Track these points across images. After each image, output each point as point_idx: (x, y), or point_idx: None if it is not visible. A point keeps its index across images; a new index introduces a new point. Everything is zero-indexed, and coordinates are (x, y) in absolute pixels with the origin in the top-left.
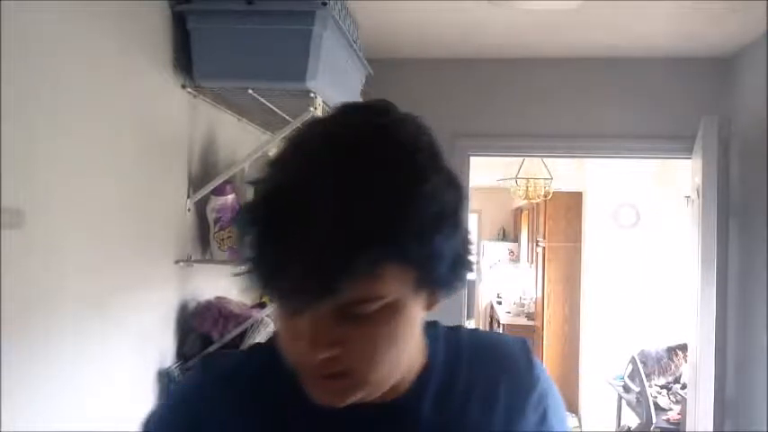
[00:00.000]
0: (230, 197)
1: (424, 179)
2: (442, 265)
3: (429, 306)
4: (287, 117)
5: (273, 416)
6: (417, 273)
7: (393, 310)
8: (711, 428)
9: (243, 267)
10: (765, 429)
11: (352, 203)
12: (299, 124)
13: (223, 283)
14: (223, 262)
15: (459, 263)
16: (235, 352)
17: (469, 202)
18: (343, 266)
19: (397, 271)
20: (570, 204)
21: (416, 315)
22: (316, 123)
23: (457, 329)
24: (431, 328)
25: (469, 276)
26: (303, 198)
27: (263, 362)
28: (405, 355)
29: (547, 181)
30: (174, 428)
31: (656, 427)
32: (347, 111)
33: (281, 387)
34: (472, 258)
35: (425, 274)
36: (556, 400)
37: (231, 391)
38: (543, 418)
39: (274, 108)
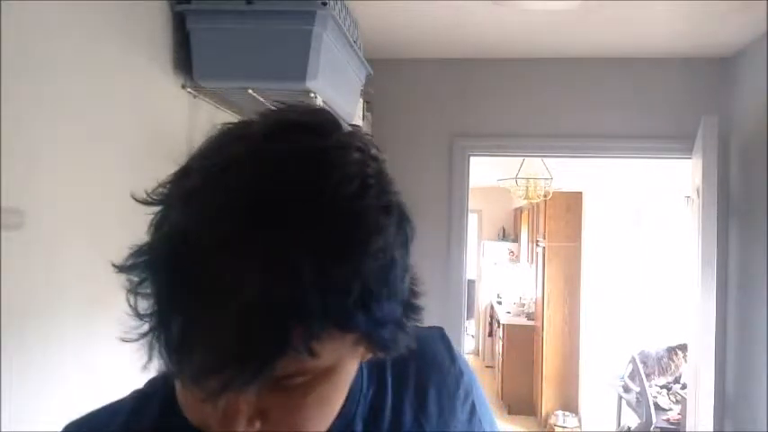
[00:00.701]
0: None
1: (372, 232)
2: (388, 326)
3: (365, 358)
4: None
5: None
6: (359, 336)
7: (326, 376)
8: (711, 428)
9: (138, 328)
10: (765, 429)
11: (286, 269)
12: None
13: None
14: None
15: (408, 316)
16: (114, 409)
17: (469, 202)
18: (274, 347)
19: (336, 339)
20: (570, 204)
21: (352, 368)
22: (234, 139)
23: None
24: None
25: (470, 277)
26: (222, 258)
27: (153, 422)
28: (337, 406)
29: (547, 181)
30: None
31: (656, 427)
32: (277, 126)
33: None
34: (419, 301)
35: (369, 337)
36: (479, 389)
37: None
38: (472, 411)
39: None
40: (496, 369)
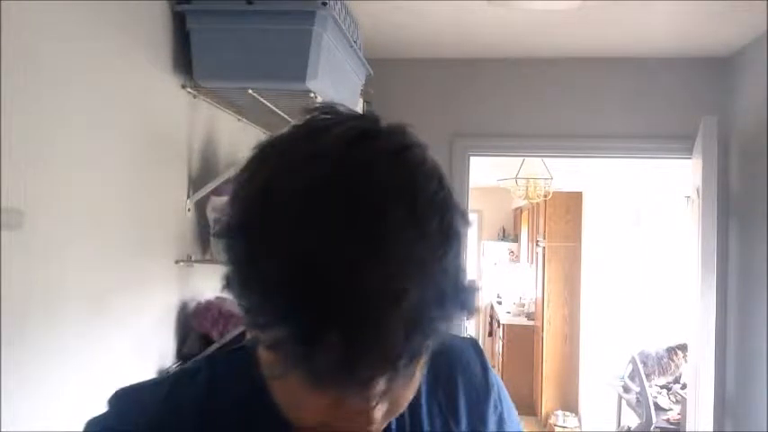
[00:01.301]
0: None
1: (461, 223)
2: (462, 307)
3: None
4: (287, 117)
5: None
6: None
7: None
8: (711, 428)
9: (291, 362)
10: (765, 429)
11: (427, 272)
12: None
13: None
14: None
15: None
16: (151, 389)
17: (469, 202)
18: (424, 344)
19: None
20: (570, 204)
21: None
22: (314, 156)
23: None
24: None
25: (470, 277)
26: (365, 270)
27: (197, 405)
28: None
29: (547, 181)
30: None
31: (656, 427)
32: (353, 134)
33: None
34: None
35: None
36: (508, 400)
37: None
38: (500, 420)
39: (274, 108)
40: (496, 369)
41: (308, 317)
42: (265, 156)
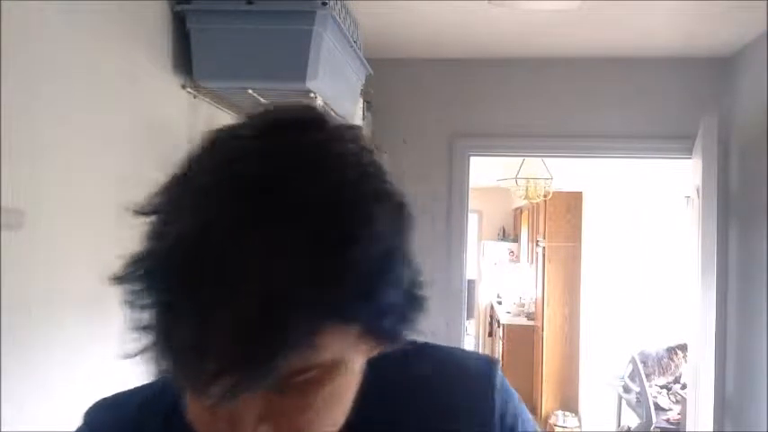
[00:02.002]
0: None
1: (367, 219)
2: (389, 316)
3: (371, 353)
4: None
5: None
6: (361, 329)
7: (332, 373)
8: (711, 428)
9: (139, 342)
10: (765, 430)
11: (281, 262)
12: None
13: None
14: None
15: (410, 306)
16: (127, 399)
17: (469, 202)
18: (278, 343)
19: (337, 332)
20: (570, 204)
21: (358, 365)
22: (226, 141)
23: (407, 354)
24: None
25: (470, 277)
26: (217, 257)
27: (164, 416)
28: (345, 407)
29: (547, 181)
30: None
31: (656, 427)
32: (268, 124)
33: None
34: (423, 294)
35: (371, 328)
36: (521, 415)
37: None
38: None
39: None
40: None
41: (162, 300)
42: (199, 144)
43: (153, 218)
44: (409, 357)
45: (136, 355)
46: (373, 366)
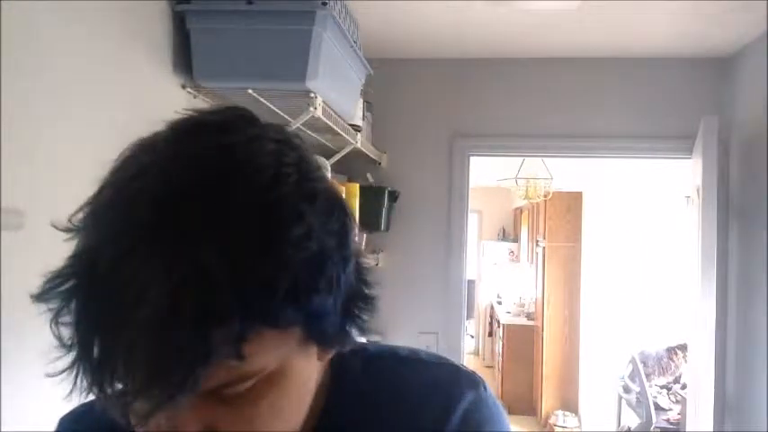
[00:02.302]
0: None
1: (290, 221)
2: (329, 316)
3: (323, 356)
4: (287, 117)
5: None
6: (300, 332)
7: (273, 380)
8: (711, 428)
9: (63, 359)
10: (765, 429)
11: (196, 269)
12: (299, 124)
13: None
14: None
15: (355, 304)
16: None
17: (469, 202)
18: (194, 356)
19: (270, 339)
20: (570, 204)
21: (306, 371)
22: (142, 150)
23: (375, 361)
24: (343, 360)
25: (470, 277)
26: (127, 269)
27: None
28: (296, 414)
29: (547, 181)
30: None
31: (656, 427)
32: (183, 129)
33: None
34: (371, 291)
35: (311, 331)
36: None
37: None
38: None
39: (274, 108)
40: (496, 369)
41: (80, 319)
42: (123, 152)
43: (75, 234)
44: (374, 365)
45: (60, 373)
46: (337, 372)
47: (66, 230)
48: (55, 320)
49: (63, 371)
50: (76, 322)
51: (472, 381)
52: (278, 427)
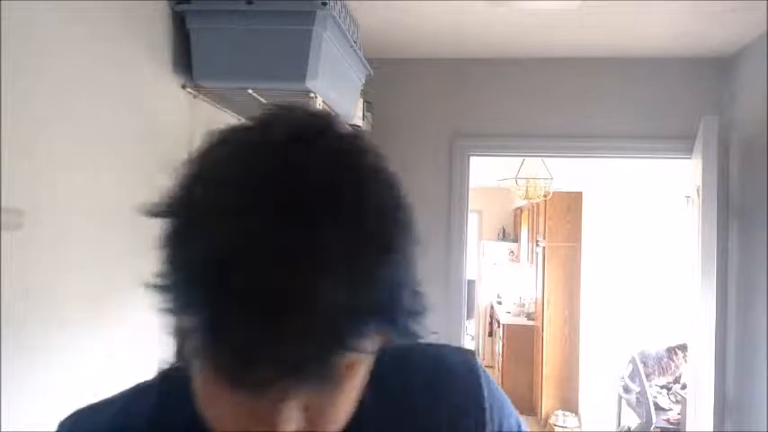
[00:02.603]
0: None
1: (398, 229)
2: (413, 317)
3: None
4: None
5: None
6: (388, 332)
7: (358, 368)
8: (711, 428)
9: (180, 346)
10: (765, 429)
11: (340, 271)
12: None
13: None
14: None
15: (421, 307)
16: (105, 406)
17: (469, 202)
18: (333, 349)
19: (373, 337)
20: (570, 204)
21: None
22: (256, 148)
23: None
24: None
25: (470, 277)
26: (275, 267)
27: (147, 419)
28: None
29: (547, 181)
30: None
31: (656, 427)
32: (295, 132)
33: None
34: (424, 296)
35: (394, 330)
36: (509, 418)
37: None
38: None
39: None
40: (496, 369)
41: (214, 305)
42: (211, 145)
43: (174, 221)
44: (399, 358)
45: (176, 360)
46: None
47: (155, 215)
48: (171, 310)
49: (179, 357)
50: (206, 313)
51: (469, 352)
52: (348, 411)
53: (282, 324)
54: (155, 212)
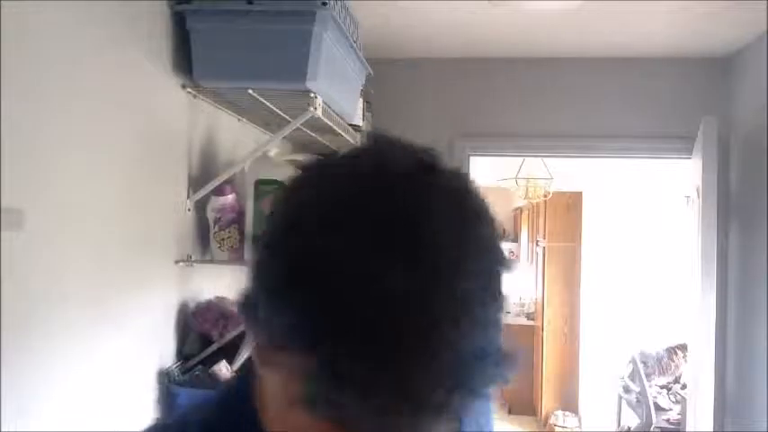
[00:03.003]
0: (230, 197)
1: (501, 284)
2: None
3: None
4: (287, 117)
5: None
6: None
7: None
8: (711, 428)
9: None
10: (765, 429)
11: (482, 323)
12: (299, 124)
13: (223, 283)
14: (223, 262)
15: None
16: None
17: None
18: (453, 408)
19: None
20: (570, 204)
21: None
22: (387, 187)
23: None
24: None
25: None
26: (425, 308)
27: None
28: None
29: (547, 181)
30: None
31: (656, 427)
32: (424, 169)
33: None
34: None
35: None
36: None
37: None
38: None
39: (274, 108)
40: None
41: (337, 342)
42: (323, 172)
43: (309, 258)
44: None
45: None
46: None
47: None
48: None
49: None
50: (362, 353)
51: None
52: None
53: (426, 365)
54: (263, 243)
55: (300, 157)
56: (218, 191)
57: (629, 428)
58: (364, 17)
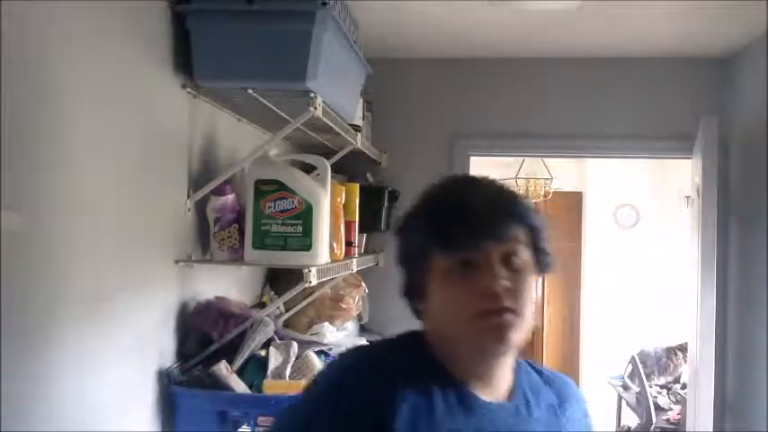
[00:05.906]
0: (230, 197)
1: (534, 209)
2: (541, 238)
3: (534, 277)
4: (287, 117)
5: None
6: (531, 239)
7: (528, 269)
8: (711, 428)
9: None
10: (765, 429)
11: (497, 198)
12: (299, 124)
13: (223, 283)
14: (223, 262)
15: (548, 247)
16: (361, 350)
17: None
18: (501, 223)
19: (522, 234)
20: (570, 204)
21: (533, 282)
22: (441, 185)
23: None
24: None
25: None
26: (470, 196)
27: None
28: (531, 297)
29: (547, 181)
30: (363, 379)
31: (656, 427)
32: (472, 178)
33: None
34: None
35: (534, 241)
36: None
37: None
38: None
39: (274, 108)
40: None
41: (442, 221)
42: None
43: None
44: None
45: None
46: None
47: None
48: (422, 222)
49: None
50: (441, 211)
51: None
52: (530, 302)
53: (476, 212)
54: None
55: (300, 157)
56: (219, 191)
57: (629, 428)
58: (364, 17)
